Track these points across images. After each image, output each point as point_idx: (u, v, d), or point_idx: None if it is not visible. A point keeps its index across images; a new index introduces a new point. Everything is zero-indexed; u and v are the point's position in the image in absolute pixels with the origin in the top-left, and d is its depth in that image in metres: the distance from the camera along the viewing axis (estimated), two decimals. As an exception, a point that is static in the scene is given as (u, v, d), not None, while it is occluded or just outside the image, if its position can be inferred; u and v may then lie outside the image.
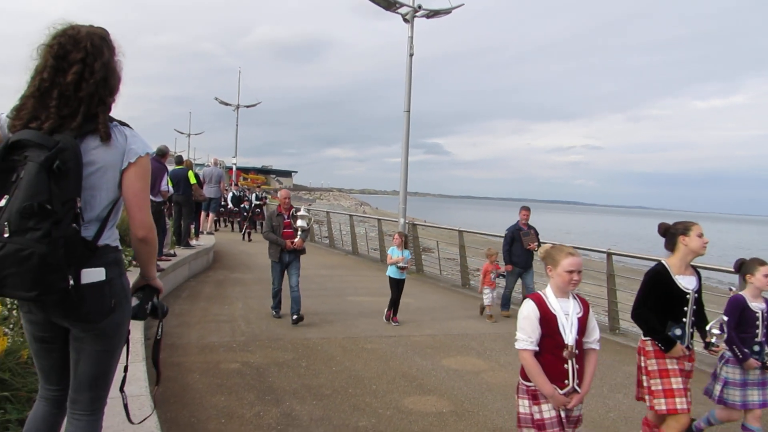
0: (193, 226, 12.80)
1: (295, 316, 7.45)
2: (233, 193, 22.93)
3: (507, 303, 9.14)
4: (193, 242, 12.39)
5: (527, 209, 9.26)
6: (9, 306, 3.58)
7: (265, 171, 78.80)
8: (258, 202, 20.98)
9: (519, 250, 8.93)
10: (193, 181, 11.70)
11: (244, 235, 19.12)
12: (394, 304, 8.01)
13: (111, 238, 2.18)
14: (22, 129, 2.02)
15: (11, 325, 3.49)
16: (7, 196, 1.89)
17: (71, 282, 1.95)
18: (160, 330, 2.41)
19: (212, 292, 9.62)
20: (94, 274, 2.06)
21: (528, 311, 2.88)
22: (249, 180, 57.60)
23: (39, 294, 1.89)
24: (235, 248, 16.56)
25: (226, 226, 23.07)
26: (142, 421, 2.33)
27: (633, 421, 4.80)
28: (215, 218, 19.70)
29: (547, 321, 2.85)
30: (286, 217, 7.69)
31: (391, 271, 8.13)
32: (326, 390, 5.13)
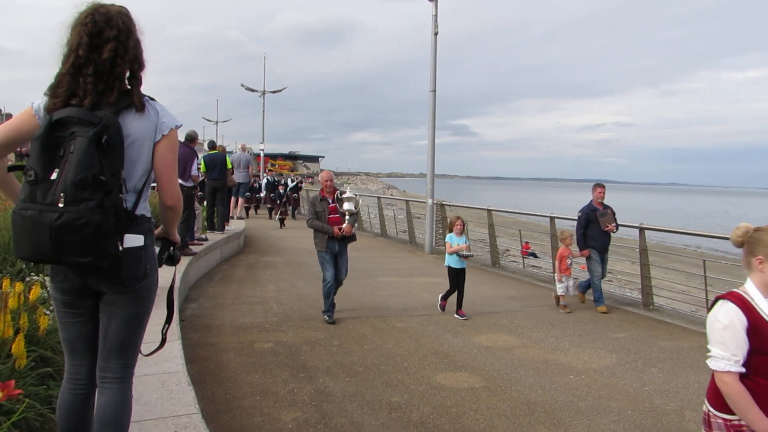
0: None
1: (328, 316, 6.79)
2: (267, 179, 22.43)
3: (601, 295, 8.00)
4: (226, 227, 12.57)
5: (602, 186, 8.38)
6: (47, 288, 3.68)
7: (292, 157, 79.21)
8: (293, 185, 20.45)
9: (596, 232, 8.02)
10: (229, 165, 11.89)
11: (281, 222, 18.57)
12: (458, 297, 7.30)
13: (145, 208, 2.30)
14: (63, 107, 2.09)
15: (50, 307, 3.59)
16: (57, 170, 1.98)
17: (120, 248, 2.08)
18: (174, 276, 2.59)
19: (244, 275, 9.76)
20: (134, 240, 2.18)
21: (730, 318, 2.06)
22: (277, 166, 57.95)
23: (94, 259, 2.01)
24: (265, 233, 16.74)
25: (257, 213, 22.58)
26: (151, 353, 2.46)
27: (667, 394, 4.74)
28: (246, 205, 19.93)
29: (759, 332, 2.05)
30: (330, 201, 6.86)
31: (452, 261, 7.34)
32: (358, 367, 5.17)
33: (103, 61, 2.13)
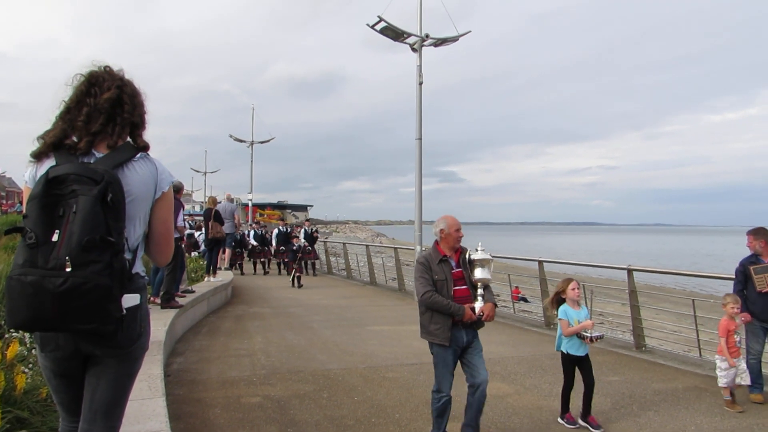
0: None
1: None
2: (279, 230, 20.25)
3: (759, 379, 5.86)
4: (213, 278, 12.49)
5: (762, 232, 5.99)
6: (28, 345, 3.59)
7: (281, 206, 79.27)
8: (307, 234, 17.62)
9: (753, 293, 5.87)
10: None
11: (293, 280, 15.85)
12: (585, 398, 5.04)
13: (140, 266, 2.25)
14: (54, 150, 2.07)
15: (30, 364, 3.49)
16: (57, 231, 1.89)
17: (124, 311, 2.01)
18: None
19: (231, 326, 9.60)
20: (132, 300, 2.12)
21: None
22: (265, 216, 57.93)
23: (99, 325, 1.92)
24: (252, 283, 16.59)
25: (246, 270, 20.27)
26: None
27: (666, 440, 4.65)
28: (240, 260, 19.38)
29: None
30: (454, 263, 4.45)
31: (571, 345, 5.06)
32: (349, 421, 5.04)
33: (101, 102, 2.11)
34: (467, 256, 4.52)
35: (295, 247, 17.14)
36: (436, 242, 4.58)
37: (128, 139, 2.22)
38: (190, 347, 7.85)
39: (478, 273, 4.43)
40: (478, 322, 4.38)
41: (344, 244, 21.40)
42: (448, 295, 4.30)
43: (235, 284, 14.37)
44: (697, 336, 7.73)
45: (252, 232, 21.26)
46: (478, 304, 4.36)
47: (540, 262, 10.43)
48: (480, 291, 4.42)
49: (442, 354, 4.38)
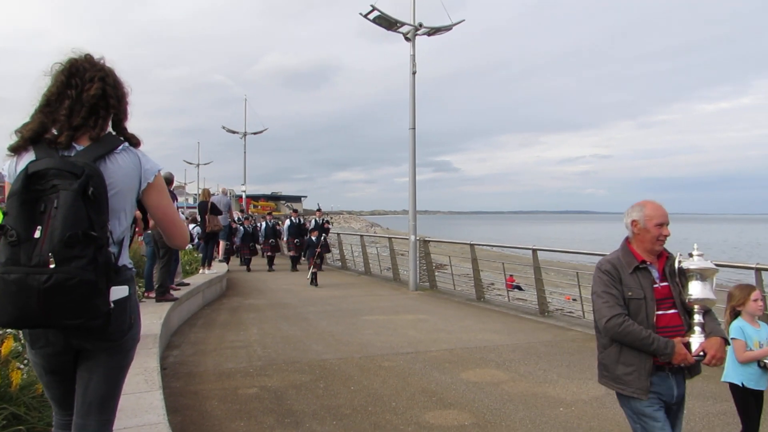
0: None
1: None
2: (291, 221, 18.79)
3: None
4: (208, 271, 12.50)
5: None
6: (23, 341, 3.58)
7: (274, 197, 79.06)
8: (317, 225, 15.83)
9: None
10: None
11: (312, 278, 14.26)
12: None
13: (127, 259, 2.23)
14: (32, 144, 2.03)
15: (25, 360, 3.49)
16: (39, 227, 1.86)
17: (111, 304, 1.99)
18: None
19: (227, 318, 9.60)
20: (120, 292, 2.09)
21: None
22: (259, 207, 57.80)
23: (86, 320, 1.91)
24: (247, 275, 16.58)
25: (263, 257, 19.35)
26: None
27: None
28: (250, 254, 18.69)
29: None
30: (657, 274, 3.00)
31: (746, 375, 3.78)
32: (346, 410, 5.07)
33: (85, 97, 2.07)
34: (676, 264, 3.00)
35: (314, 241, 15.06)
36: (627, 241, 3.04)
37: (110, 130, 2.18)
38: (186, 340, 7.85)
39: (696, 290, 2.93)
40: (694, 367, 2.93)
41: (339, 234, 21.41)
42: (649, 324, 2.84)
43: (230, 276, 14.36)
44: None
45: (264, 224, 19.66)
46: (697, 339, 2.86)
47: (534, 251, 10.47)
48: (698, 318, 2.92)
49: (639, 411, 2.88)
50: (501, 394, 5.48)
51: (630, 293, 2.87)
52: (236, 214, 20.75)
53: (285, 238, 18.84)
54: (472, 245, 12.47)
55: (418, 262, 13.77)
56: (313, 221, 17.03)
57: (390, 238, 17.40)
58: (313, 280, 14.19)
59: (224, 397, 5.39)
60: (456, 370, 6.35)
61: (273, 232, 19.18)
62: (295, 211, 20.65)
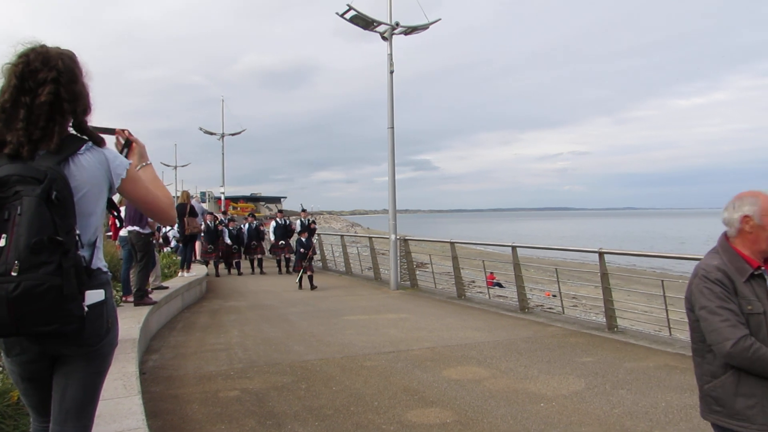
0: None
1: None
2: (277, 222, 18.10)
3: None
4: (187, 273, 12.39)
5: None
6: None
7: (254, 198, 78.66)
8: (303, 227, 14.95)
9: None
10: None
11: (301, 281, 13.76)
12: None
13: (101, 261, 2.18)
14: None
15: (0, 368, 3.42)
16: (5, 235, 1.83)
17: (86, 309, 1.96)
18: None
19: (207, 321, 9.52)
20: (95, 296, 2.06)
21: None
22: (239, 209, 57.40)
23: (60, 326, 1.88)
24: (227, 277, 16.45)
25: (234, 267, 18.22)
26: None
27: (637, 416, 4.76)
28: (207, 257, 17.59)
29: None
30: None
31: None
32: (328, 410, 5.05)
33: (39, 105, 1.97)
34: None
35: (306, 243, 14.29)
36: (728, 240, 2.49)
37: (71, 129, 2.09)
38: (166, 344, 7.77)
39: None
40: None
41: (319, 234, 21.35)
42: None
43: (209, 279, 14.24)
44: (667, 315, 7.91)
45: (247, 226, 18.93)
46: None
47: (513, 248, 10.55)
48: None
49: None
50: (482, 391, 5.51)
51: (750, 307, 2.33)
52: (219, 216, 20.21)
53: (272, 239, 18.24)
54: (452, 243, 12.52)
55: (398, 261, 13.79)
56: (299, 222, 16.51)
57: (370, 238, 17.40)
58: (309, 282, 13.62)
59: (205, 401, 5.34)
60: (437, 368, 6.37)
61: (257, 234, 18.74)
62: (281, 211, 20.09)
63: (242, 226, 19.12)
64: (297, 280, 13.90)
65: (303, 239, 14.32)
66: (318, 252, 18.43)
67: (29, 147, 1.96)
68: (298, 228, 15.59)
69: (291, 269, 17.32)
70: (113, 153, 2.18)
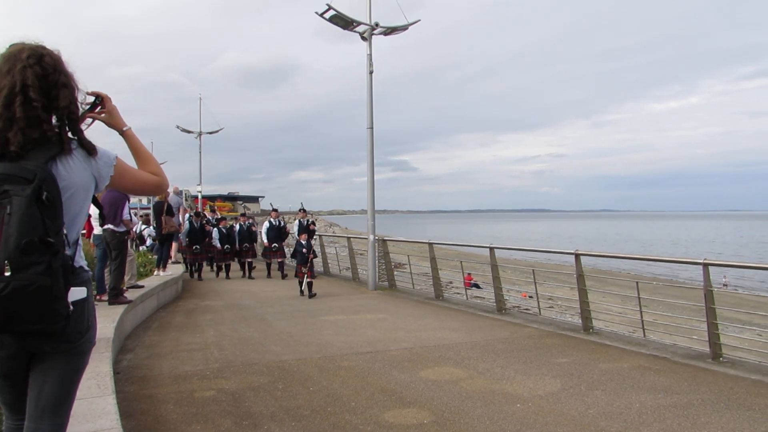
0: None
1: None
2: (270, 222, 16.60)
3: None
4: (163, 272, 12.24)
5: None
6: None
7: (231, 198, 78.09)
8: (301, 226, 13.96)
9: None
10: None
11: (302, 286, 12.54)
12: None
13: (82, 259, 2.19)
14: None
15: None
16: None
17: (71, 308, 1.97)
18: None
19: (183, 321, 9.42)
20: (78, 293, 2.05)
21: None
22: (216, 208, 56.86)
23: (46, 325, 1.89)
24: (205, 276, 16.28)
25: (221, 270, 17.19)
26: None
27: (611, 416, 4.82)
28: (228, 260, 16.76)
29: None
30: None
31: None
32: (304, 411, 5.03)
33: (24, 103, 1.96)
34: None
35: (306, 245, 12.95)
36: None
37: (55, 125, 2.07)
38: (141, 343, 7.67)
39: None
40: None
41: (320, 236, 21.22)
42: None
43: (185, 278, 14.09)
44: (641, 317, 8.03)
45: (238, 226, 17.72)
46: None
47: (491, 249, 10.61)
48: None
49: None
50: (459, 392, 5.53)
51: None
52: (208, 215, 19.70)
53: (265, 241, 16.71)
54: (430, 244, 12.56)
55: (377, 261, 13.79)
56: (297, 223, 15.47)
57: (349, 238, 17.36)
58: (309, 290, 12.45)
59: (180, 401, 5.28)
60: (415, 369, 6.38)
61: (249, 234, 17.37)
62: (275, 210, 17.74)
63: (233, 225, 18.01)
64: (302, 288, 12.57)
65: (303, 241, 13.18)
66: (318, 255, 16.34)
67: (16, 145, 1.94)
68: (295, 229, 14.50)
69: (282, 274, 16.44)
70: (100, 149, 2.17)
